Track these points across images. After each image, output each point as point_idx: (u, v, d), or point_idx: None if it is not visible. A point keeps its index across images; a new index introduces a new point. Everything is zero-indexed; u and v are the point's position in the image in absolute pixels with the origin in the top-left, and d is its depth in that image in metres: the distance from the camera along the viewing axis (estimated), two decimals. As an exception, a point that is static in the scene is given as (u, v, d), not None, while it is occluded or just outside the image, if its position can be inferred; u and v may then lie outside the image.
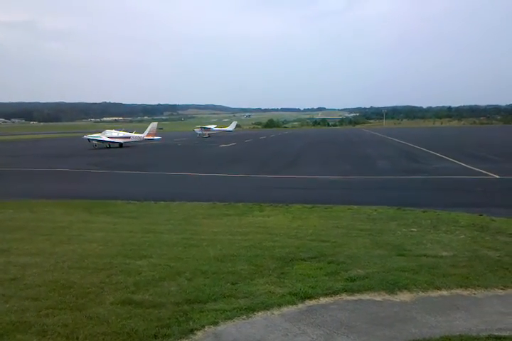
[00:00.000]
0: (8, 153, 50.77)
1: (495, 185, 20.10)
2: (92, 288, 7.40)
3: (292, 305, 6.69)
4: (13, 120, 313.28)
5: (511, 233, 10.60)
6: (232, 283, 7.50)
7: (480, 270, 7.97)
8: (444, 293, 7.08)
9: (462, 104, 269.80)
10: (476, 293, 7.06)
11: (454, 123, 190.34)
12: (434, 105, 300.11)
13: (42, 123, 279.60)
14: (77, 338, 5.67)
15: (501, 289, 7.15)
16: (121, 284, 7.54)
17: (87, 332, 5.83)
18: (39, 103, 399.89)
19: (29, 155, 45.40)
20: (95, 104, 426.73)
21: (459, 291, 7.12)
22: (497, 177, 21.99)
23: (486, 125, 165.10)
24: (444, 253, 8.98)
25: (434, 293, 7.05)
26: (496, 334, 5.63)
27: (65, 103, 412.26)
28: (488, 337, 5.56)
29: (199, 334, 5.84)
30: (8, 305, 6.72)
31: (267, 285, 7.43)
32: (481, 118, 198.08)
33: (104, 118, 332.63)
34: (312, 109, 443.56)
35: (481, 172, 23.80)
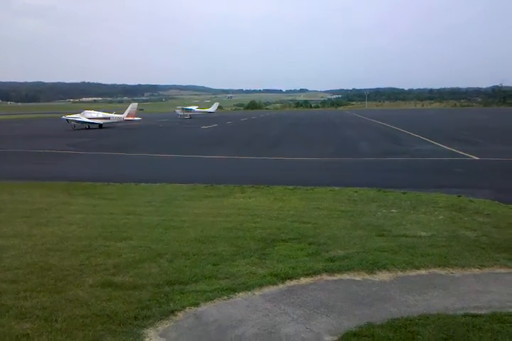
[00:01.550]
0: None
1: (474, 167, 20.38)
2: (72, 270, 7.33)
3: (273, 285, 6.72)
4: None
5: (489, 213, 10.80)
6: (214, 264, 7.50)
7: (458, 250, 8.11)
8: (423, 272, 7.19)
9: (443, 87, 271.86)
10: (453, 272, 7.19)
11: (435, 105, 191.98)
12: (415, 87, 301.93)
13: (20, 104, 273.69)
14: (56, 321, 5.62)
15: (478, 268, 7.30)
16: (101, 266, 7.48)
17: (66, 314, 5.78)
18: (17, 83, 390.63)
19: (5, 136, 44.44)
20: (74, 83, 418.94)
21: (437, 270, 7.24)
22: (476, 158, 22.30)
23: (466, 107, 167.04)
24: (423, 234, 9.11)
25: (413, 273, 7.16)
26: (473, 312, 5.74)
27: (44, 83, 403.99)
28: (465, 315, 5.67)
29: (180, 315, 5.84)
30: (-15, 288, 6.62)
31: (248, 266, 7.45)
32: (462, 100, 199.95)
33: (83, 99, 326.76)
34: (295, 91, 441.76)
35: (461, 154, 24.10)
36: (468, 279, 6.92)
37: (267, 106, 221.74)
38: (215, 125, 60.36)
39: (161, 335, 5.38)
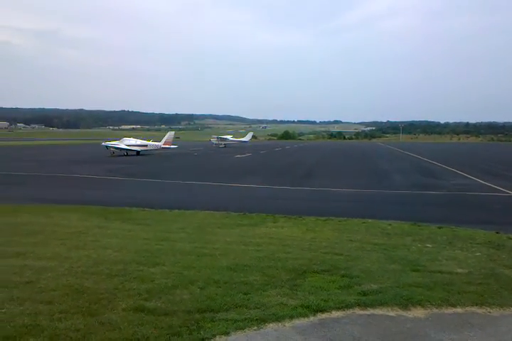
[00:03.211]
0: (26, 158, 51.53)
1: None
2: (105, 293, 7.44)
3: (304, 317, 6.64)
4: (32, 125, 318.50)
5: (528, 252, 10.42)
6: (244, 293, 7.48)
7: (496, 288, 7.85)
8: (459, 310, 6.97)
9: (480, 121, 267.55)
10: (491, 311, 6.95)
11: (472, 139, 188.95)
12: (451, 121, 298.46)
13: (61, 130, 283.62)
14: (89, 343, 5.70)
15: (517, 308, 7.02)
16: (134, 291, 7.57)
17: (98, 337, 5.86)
18: (59, 109, 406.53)
19: (47, 161, 45.98)
20: (114, 111, 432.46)
21: (474, 309, 7.01)
22: (515, 194, 21.68)
23: (503, 142, 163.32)
24: (460, 270, 8.86)
25: (449, 310, 6.96)
26: (512, 354, 5.52)
27: (85, 110, 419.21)
28: (503, 356, 5.46)
29: (210, 343, 5.83)
30: (22, 308, 6.79)
31: (279, 296, 7.40)
32: (499, 135, 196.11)
33: (123, 126, 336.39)
34: (328, 122, 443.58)
35: (499, 189, 23.48)
36: (507, 319, 6.66)
37: (301, 137, 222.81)
38: (249, 154, 60.89)
39: (190, 363, 5.38)
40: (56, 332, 5.99)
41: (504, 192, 22.54)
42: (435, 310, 6.94)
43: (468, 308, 7.03)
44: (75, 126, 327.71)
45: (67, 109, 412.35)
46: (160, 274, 8.46)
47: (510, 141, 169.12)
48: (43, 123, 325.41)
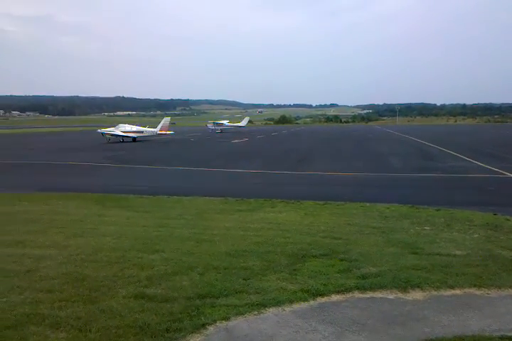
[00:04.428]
0: (22, 146, 51.32)
1: (510, 184, 19.84)
2: (105, 281, 7.45)
3: (304, 301, 6.68)
4: (27, 113, 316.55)
5: (526, 233, 10.46)
6: (244, 279, 7.51)
7: (494, 269, 7.89)
8: (457, 292, 7.01)
9: (476, 102, 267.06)
10: (489, 292, 6.99)
11: (468, 121, 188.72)
12: (448, 103, 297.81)
13: (56, 117, 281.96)
14: (90, 331, 5.72)
15: (515, 289, 7.07)
16: (134, 278, 7.59)
17: (99, 325, 5.88)
18: (54, 97, 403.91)
19: (44, 149, 45.81)
20: (109, 98, 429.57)
21: (472, 290, 7.05)
22: (512, 176, 21.72)
23: (500, 123, 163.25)
24: (458, 252, 8.90)
25: (447, 292, 6.99)
26: (510, 334, 5.56)
27: (80, 97, 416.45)
28: (502, 337, 5.50)
29: (211, 329, 5.85)
30: (22, 297, 6.81)
31: (278, 281, 7.43)
32: (496, 116, 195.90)
33: (118, 113, 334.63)
34: (325, 106, 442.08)
35: (497, 171, 23.53)
36: (505, 300, 6.70)
37: (297, 121, 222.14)
38: (246, 139, 60.75)
39: (192, 349, 5.42)
40: (57, 321, 6.01)
41: (502, 173, 22.55)
42: (434, 293, 6.98)
43: (466, 290, 7.07)
44: (70, 113, 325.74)
45: (61, 96, 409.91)
46: (159, 261, 8.47)
47: (506, 122, 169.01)
48: (38, 110, 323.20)
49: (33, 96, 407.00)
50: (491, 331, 5.70)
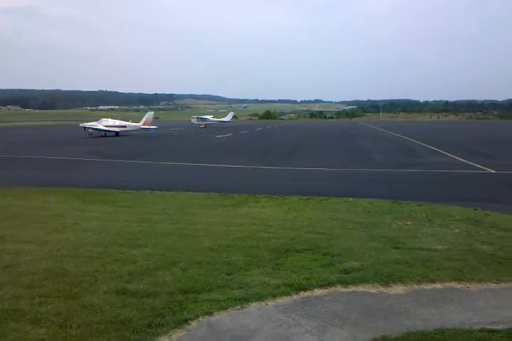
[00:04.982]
0: (3, 140, 50.46)
1: (490, 180, 20.14)
2: (86, 276, 7.38)
3: (287, 296, 6.69)
4: (8, 106, 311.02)
5: (505, 227, 10.63)
6: (227, 274, 7.49)
7: (474, 264, 8.00)
8: (438, 286, 7.10)
9: (459, 99, 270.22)
10: (469, 286, 7.09)
11: (451, 117, 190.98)
12: (431, 99, 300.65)
13: (37, 111, 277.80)
14: (71, 327, 5.65)
15: (495, 283, 7.18)
16: (115, 273, 7.52)
17: (80, 320, 5.81)
18: (35, 90, 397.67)
19: (25, 143, 45.12)
20: (91, 92, 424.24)
21: (453, 284, 7.15)
22: (493, 172, 22.05)
23: (482, 120, 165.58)
24: (439, 247, 9.01)
25: (428, 286, 7.08)
26: (490, 327, 5.65)
27: (61, 91, 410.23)
28: (482, 330, 5.58)
29: (193, 324, 5.83)
30: (1, 293, 6.70)
31: (261, 276, 7.43)
32: (478, 113, 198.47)
33: (100, 107, 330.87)
34: (309, 101, 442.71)
35: (477, 166, 23.86)
36: (485, 294, 6.81)
37: (282, 117, 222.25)
38: (230, 134, 60.61)
39: (174, 344, 5.38)
40: (37, 316, 5.93)
41: (482, 169, 22.87)
42: (415, 286, 7.06)
43: (447, 284, 7.16)
44: (52, 106, 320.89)
45: (43, 90, 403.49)
46: (141, 256, 8.41)
47: (488, 119, 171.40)
48: (19, 104, 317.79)
49: (14, 89, 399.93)
50: (471, 324, 5.78)
